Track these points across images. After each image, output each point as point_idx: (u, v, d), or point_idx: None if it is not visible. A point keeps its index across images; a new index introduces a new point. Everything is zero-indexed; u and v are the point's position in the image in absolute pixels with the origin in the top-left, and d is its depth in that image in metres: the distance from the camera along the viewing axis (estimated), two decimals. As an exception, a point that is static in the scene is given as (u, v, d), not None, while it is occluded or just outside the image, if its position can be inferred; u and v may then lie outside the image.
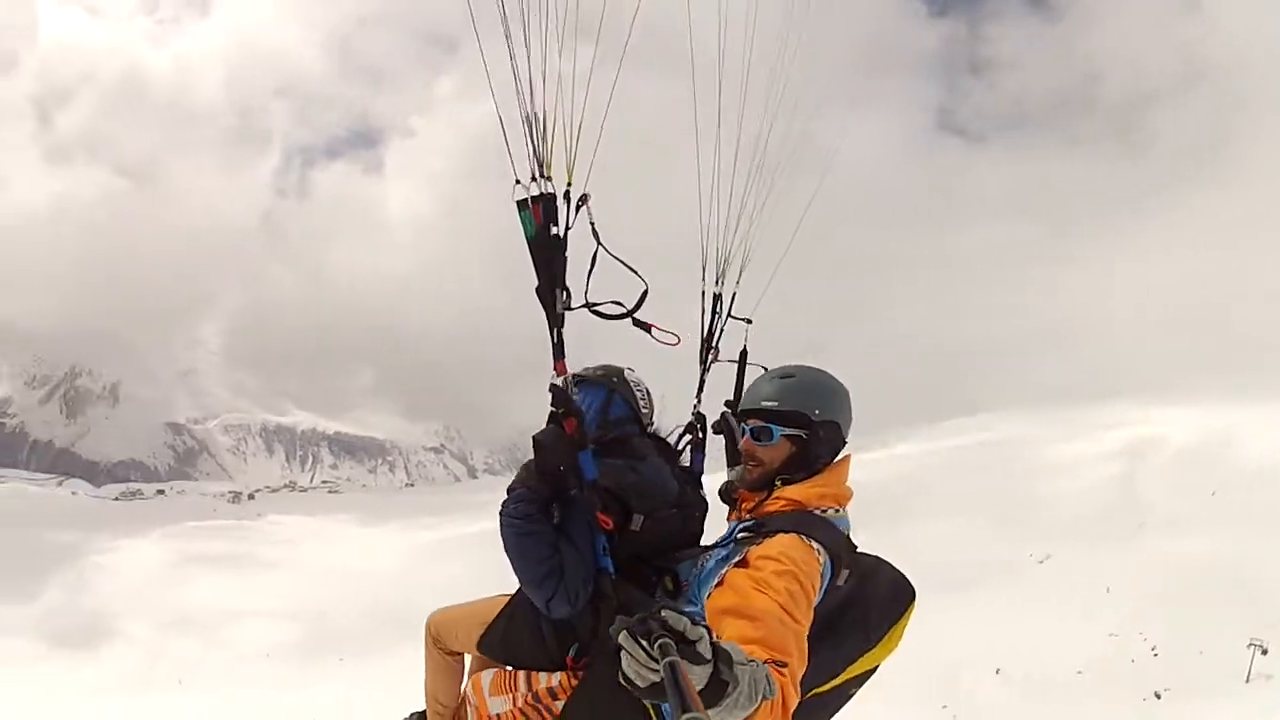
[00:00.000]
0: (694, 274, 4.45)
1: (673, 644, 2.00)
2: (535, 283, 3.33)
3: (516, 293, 3.45)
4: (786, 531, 3.11)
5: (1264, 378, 30.51)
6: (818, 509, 3.31)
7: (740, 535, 3.28)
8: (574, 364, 3.80)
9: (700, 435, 4.31)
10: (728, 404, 4.22)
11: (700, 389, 4.44)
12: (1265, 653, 10.93)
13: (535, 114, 3.21)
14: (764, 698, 2.22)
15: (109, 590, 39.66)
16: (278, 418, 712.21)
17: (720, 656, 2.12)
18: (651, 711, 2.96)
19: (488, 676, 3.82)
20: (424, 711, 4.57)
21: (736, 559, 3.08)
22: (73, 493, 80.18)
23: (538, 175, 3.26)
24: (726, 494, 3.63)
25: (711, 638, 2.13)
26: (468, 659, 4.24)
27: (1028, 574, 18.49)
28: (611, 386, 4.03)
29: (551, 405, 3.39)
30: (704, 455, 4.30)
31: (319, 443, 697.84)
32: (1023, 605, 15.73)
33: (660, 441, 4.09)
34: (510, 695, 3.68)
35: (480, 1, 3.13)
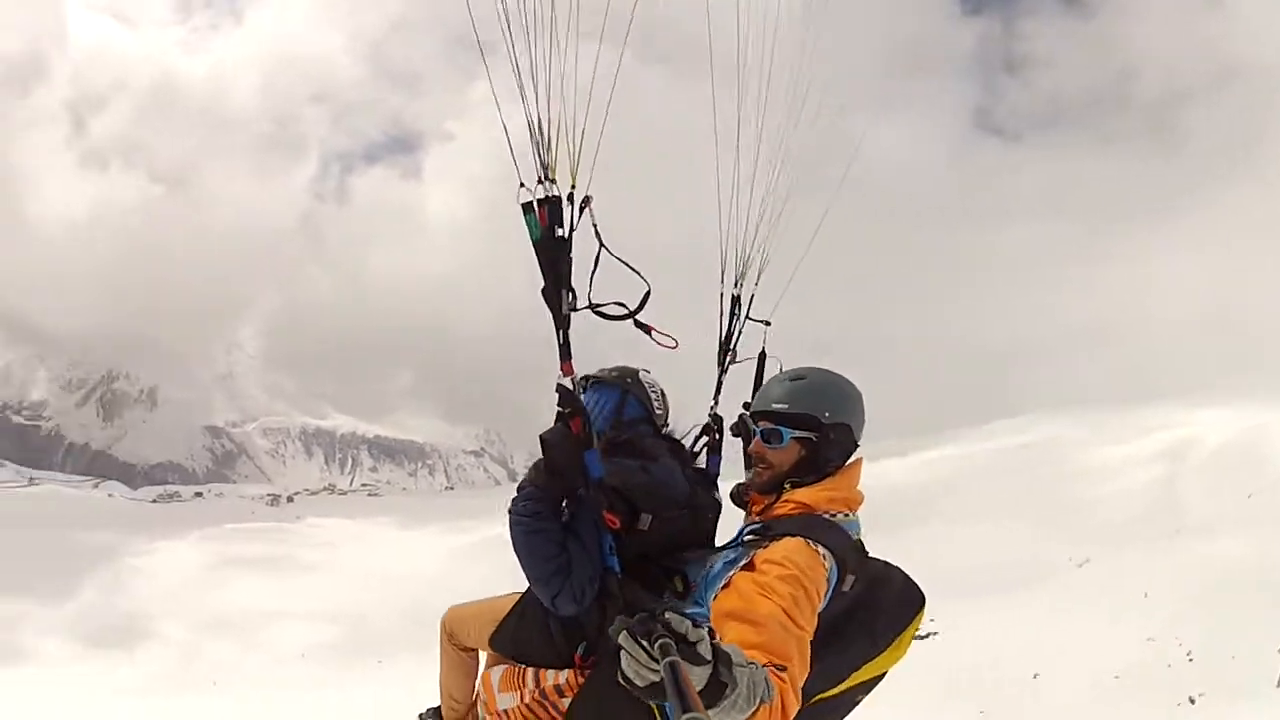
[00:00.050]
0: (713, 276, 4.47)
1: (673, 644, 2.04)
2: (542, 285, 3.38)
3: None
4: (793, 535, 3.11)
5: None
6: (827, 513, 3.32)
7: (747, 538, 3.31)
8: (588, 364, 3.85)
9: (717, 437, 4.33)
10: (746, 406, 4.24)
11: (718, 391, 4.47)
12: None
13: (540, 117, 3.26)
14: (762, 701, 2.24)
15: (145, 592, 39.88)
16: (317, 421, 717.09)
17: (720, 658, 2.14)
18: (656, 712, 2.97)
19: (498, 672, 3.88)
20: (438, 707, 4.65)
21: (743, 562, 3.10)
22: (109, 495, 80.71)
23: (543, 178, 3.30)
24: (738, 497, 3.65)
25: (712, 639, 2.15)
26: (483, 656, 4.29)
27: (1067, 577, 18.26)
28: (625, 387, 4.09)
29: (558, 405, 3.42)
30: (720, 457, 4.32)
31: (358, 446, 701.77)
32: (1062, 609, 15.54)
33: (674, 443, 4.14)
34: (518, 691, 3.72)
35: (483, 5, 3.17)
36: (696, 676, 2.07)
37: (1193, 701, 10.45)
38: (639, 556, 3.55)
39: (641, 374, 4.18)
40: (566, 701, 3.55)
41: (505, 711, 3.74)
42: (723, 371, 4.50)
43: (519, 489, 3.56)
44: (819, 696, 3.28)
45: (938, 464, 34.53)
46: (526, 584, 3.62)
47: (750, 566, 3.04)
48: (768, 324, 4.52)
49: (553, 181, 3.32)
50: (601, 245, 3.48)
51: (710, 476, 4.20)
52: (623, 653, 2.12)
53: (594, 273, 3.48)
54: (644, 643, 2.10)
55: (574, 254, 3.40)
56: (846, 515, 3.37)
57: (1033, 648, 13.41)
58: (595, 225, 3.43)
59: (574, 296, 3.39)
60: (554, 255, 3.34)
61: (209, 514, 64.35)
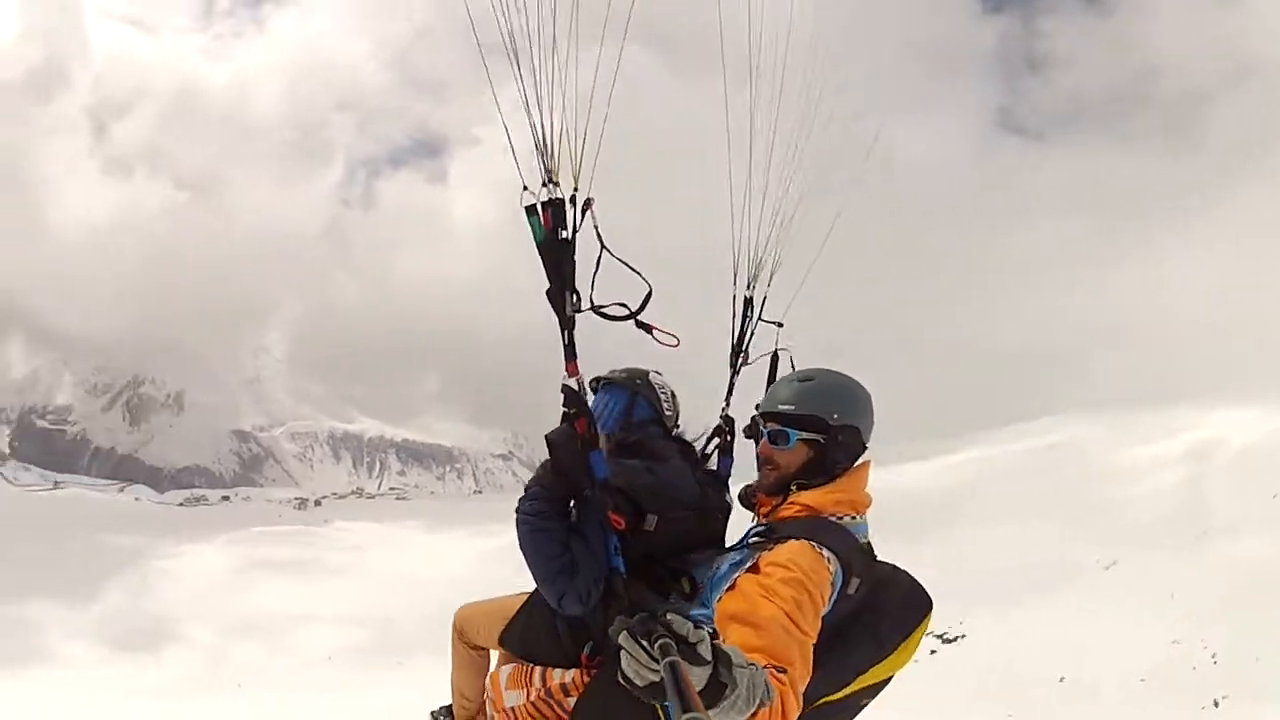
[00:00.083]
0: (725, 277, 4.48)
1: (673, 644, 2.06)
2: (547, 287, 3.41)
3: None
4: (798, 538, 3.12)
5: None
6: (834, 515, 3.32)
7: (753, 540, 3.31)
8: (601, 366, 3.87)
9: (728, 439, 4.34)
10: (757, 408, 4.24)
11: (729, 392, 4.47)
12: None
13: (543, 121, 3.28)
14: (762, 703, 2.25)
15: (171, 595, 40.11)
16: (344, 425, 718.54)
17: (720, 659, 2.16)
18: (660, 713, 2.99)
19: (506, 671, 3.94)
20: (450, 706, 4.69)
21: (748, 564, 3.11)
22: (135, 499, 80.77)
23: (546, 181, 3.33)
24: (746, 498, 3.66)
25: (713, 640, 2.16)
26: (494, 655, 4.32)
27: (1094, 579, 18.19)
28: (635, 389, 4.12)
29: (563, 405, 3.44)
30: (731, 459, 4.33)
31: (386, 450, 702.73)
32: (1088, 611, 15.51)
33: (684, 444, 4.15)
34: (525, 690, 3.76)
35: (486, 11, 3.20)
36: (696, 677, 2.09)
37: (1217, 705, 10.43)
38: (645, 557, 3.57)
39: (652, 375, 4.21)
40: (572, 701, 3.58)
41: (511, 709, 3.78)
42: (734, 373, 4.51)
43: (525, 489, 3.60)
44: (822, 700, 3.28)
45: (962, 467, 34.52)
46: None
47: (755, 569, 3.05)
48: (780, 325, 4.52)
49: (556, 184, 3.36)
50: (603, 247, 3.50)
51: (721, 478, 4.20)
52: (623, 653, 2.14)
53: (595, 274, 3.51)
54: (644, 643, 2.12)
55: (582, 256, 3.42)
56: (854, 518, 3.36)
57: (1060, 650, 13.41)
58: (597, 227, 3.46)
59: (578, 298, 3.43)
60: (558, 257, 3.37)
61: (236, 517, 64.50)
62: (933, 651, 14.69)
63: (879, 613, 3.36)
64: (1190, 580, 14.61)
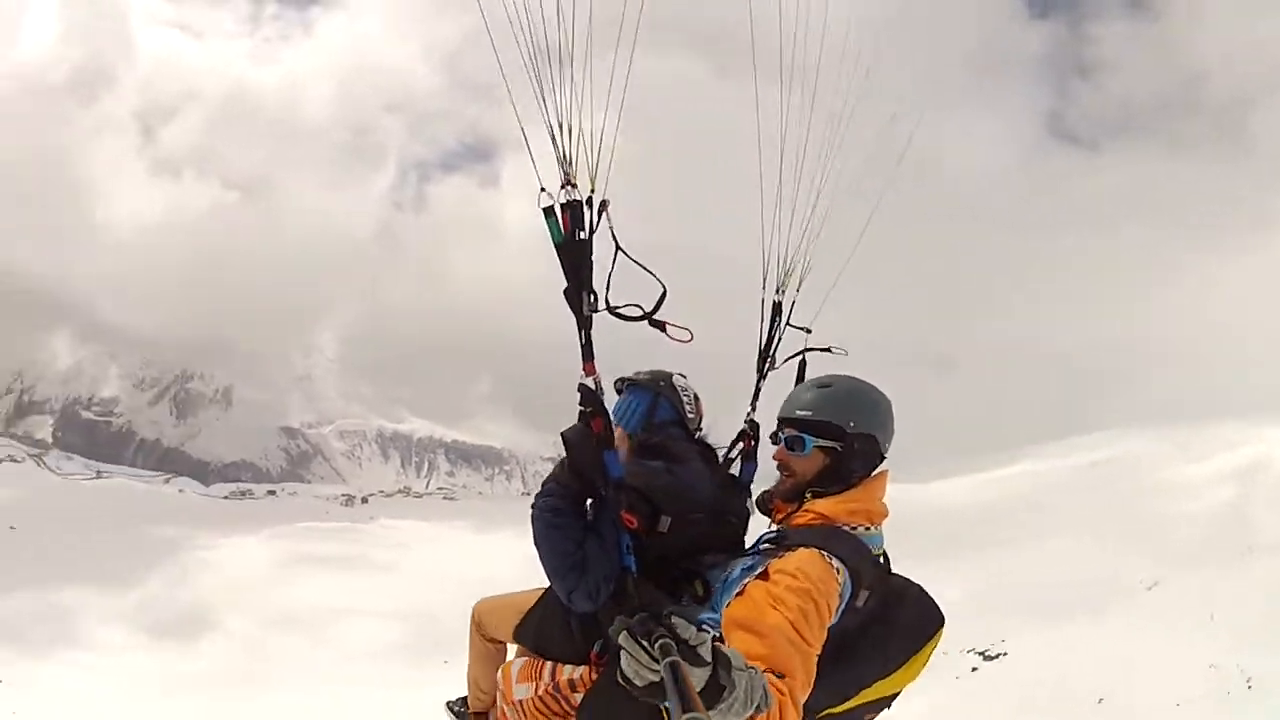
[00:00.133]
0: (754, 281, 4.48)
1: (674, 645, 2.07)
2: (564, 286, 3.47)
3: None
4: (808, 546, 3.12)
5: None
6: (847, 525, 3.31)
7: (764, 546, 3.32)
8: (621, 368, 3.90)
9: (752, 444, 4.35)
10: None
11: (755, 397, 4.48)
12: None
13: (560, 123, 3.32)
14: (759, 709, 2.26)
15: (211, 584, 39.97)
16: (394, 425, 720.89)
17: (720, 660, 2.17)
18: (664, 713, 2.99)
19: (518, 664, 4.00)
20: (465, 697, 4.74)
21: (759, 570, 3.11)
22: (180, 490, 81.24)
23: (565, 183, 3.40)
24: (763, 503, 3.68)
25: (713, 642, 2.18)
26: (511, 650, 4.36)
27: (1137, 599, 17.90)
28: (658, 390, 4.17)
29: (580, 404, 3.49)
30: (755, 464, 4.33)
31: (435, 450, 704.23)
32: (1130, 632, 15.26)
33: (706, 447, 4.18)
34: (534, 683, 3.82)
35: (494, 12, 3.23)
36: (696, 678, 2.11)
37: (1249, 732, 10.27)
38: (659, 558, 3.61)
39: (676, 378, 4.25)
40: (578, 697, 3.64)
41: (520, 702, 3.84)
42: (761, 378, 4.52)
43: (542, 485, 3.69)
44: (825, 711, 3.29)
45: (1015, 479, 34.12)
46: None
47: (764, 575, 3.05)
48: (808, 331, 4.53)
49: (574, 186, 3.42)
50: (618, 248, 3.54)
51: (742, 483, 4.24)
52: (623, 652, 2.16)
53: (611, 275, 3.55)
54: (644, 643, 2.14)
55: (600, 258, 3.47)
56: (868, 529, 3.36)
57: (1101, 670, 13.26)
58: (612, 229, 3.51)
59: (595, 298, 3.47)
60: (575, 258, 3.43)
61: (282, 512, 64.67)
62: (974, 669, 14.56)
63: (890, 627, 3.35)
64: (1231, 602, 14.37)
